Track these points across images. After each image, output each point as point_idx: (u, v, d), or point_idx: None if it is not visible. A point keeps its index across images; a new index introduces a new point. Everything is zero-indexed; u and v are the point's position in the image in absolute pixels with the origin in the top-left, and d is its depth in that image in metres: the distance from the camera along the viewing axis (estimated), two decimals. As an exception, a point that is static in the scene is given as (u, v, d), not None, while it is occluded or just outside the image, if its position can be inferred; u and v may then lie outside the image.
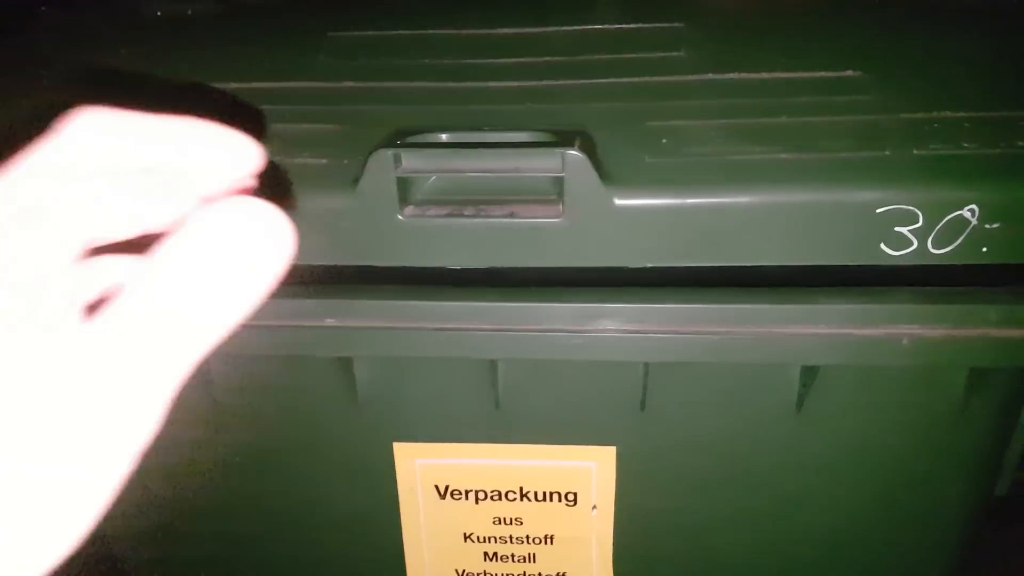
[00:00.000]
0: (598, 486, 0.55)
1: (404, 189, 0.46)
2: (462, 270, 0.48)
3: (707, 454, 0.53)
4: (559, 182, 0.45)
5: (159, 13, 0.61)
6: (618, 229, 0.45)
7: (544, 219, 0.46)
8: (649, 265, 0.47)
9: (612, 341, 0.47)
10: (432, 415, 0.54)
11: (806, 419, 0.51)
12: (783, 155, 0.45)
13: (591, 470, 0.54)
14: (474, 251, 0.47)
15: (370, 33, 0.57)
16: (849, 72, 0.50)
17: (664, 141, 0.47)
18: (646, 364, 0.49)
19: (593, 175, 0.44)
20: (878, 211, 0.43)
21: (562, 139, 0.45)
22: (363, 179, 0.45)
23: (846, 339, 0.45)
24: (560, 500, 0.56)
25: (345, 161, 0.47)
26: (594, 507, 0.56)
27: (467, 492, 0.57)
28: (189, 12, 0.61)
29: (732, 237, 0.45)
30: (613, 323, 0.47)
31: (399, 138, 0.47)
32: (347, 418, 0.54)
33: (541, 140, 0.47)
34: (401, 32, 0.57)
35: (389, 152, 0.45)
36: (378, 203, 0.46)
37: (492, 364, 0.51)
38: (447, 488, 0.57)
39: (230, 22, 0.62)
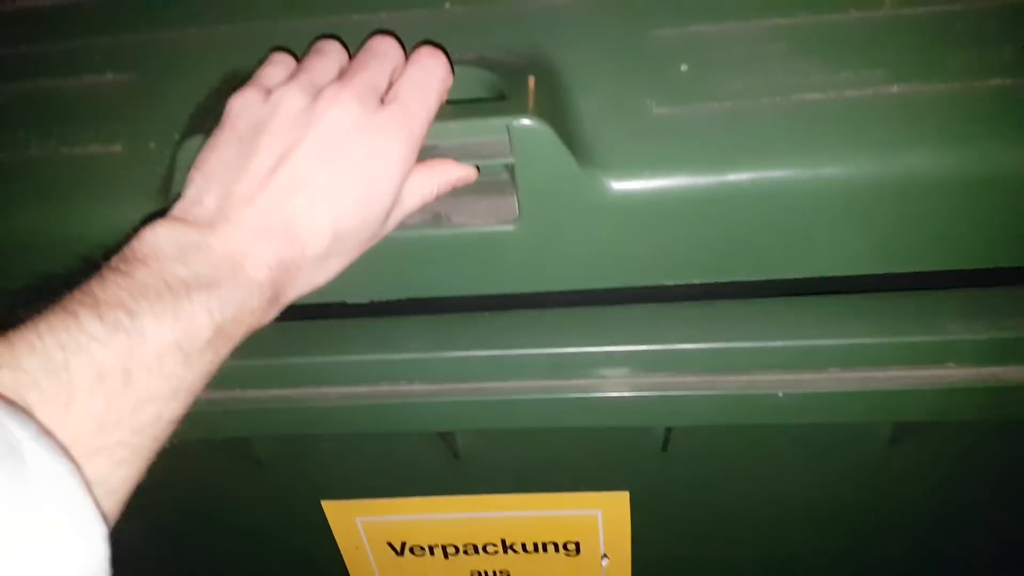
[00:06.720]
0: (607, 534, 0.40)
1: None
2: (371, 304, 0.30)
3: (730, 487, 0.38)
4: (509, 170, 0.26)
5: None
6: (609, 233, 0.27)
7: (491, 227, 0.27)
8: (667, 283, 0.28)
9: (616, 403, 0.30)
10: (370, 470, 0.39)
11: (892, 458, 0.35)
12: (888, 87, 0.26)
13: (597, 518, 0.39)
14: (383, 276, 0.29)
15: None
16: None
17: (684, 68, 0.27)
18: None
19: (564, 155, 0.25)
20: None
21: (509, 91, 0.26)
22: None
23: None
24: (559, 551, 0.42)
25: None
26: (605, 556, 0.41)
27: (432, 548, 0.42)
28: None
29: (800, 236, 0.26)
30: (617, 374, 0.29)
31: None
32: (257, 481, 0.39)
33: (473, 98, 0.27)
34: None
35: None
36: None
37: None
38: (404, 545, 0.42)
39: None
